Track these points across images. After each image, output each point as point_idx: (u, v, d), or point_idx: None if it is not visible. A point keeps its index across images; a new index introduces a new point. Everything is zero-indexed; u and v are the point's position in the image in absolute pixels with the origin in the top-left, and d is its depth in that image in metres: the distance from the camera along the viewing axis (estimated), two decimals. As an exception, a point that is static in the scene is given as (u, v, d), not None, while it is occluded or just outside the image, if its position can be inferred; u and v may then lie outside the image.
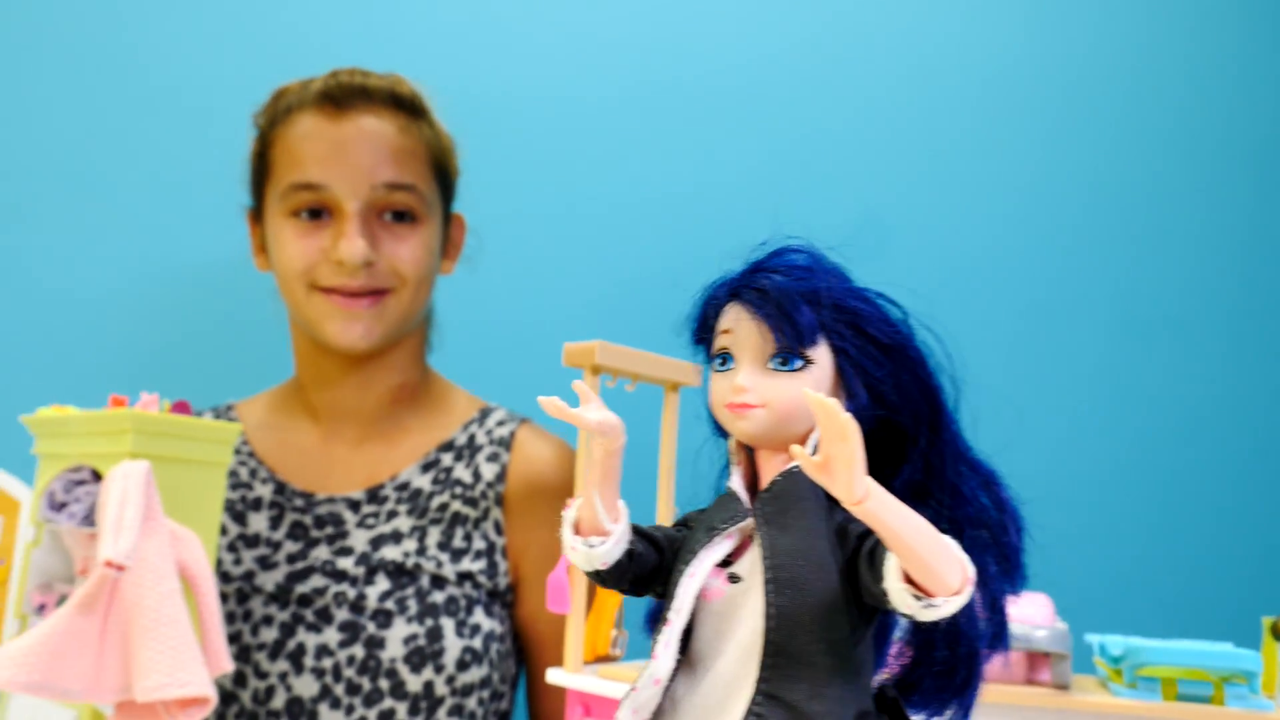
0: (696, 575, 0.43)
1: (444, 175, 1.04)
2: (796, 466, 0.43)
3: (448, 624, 0.93)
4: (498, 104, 1.26)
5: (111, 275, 1.23)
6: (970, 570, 0.37)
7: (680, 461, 0.78)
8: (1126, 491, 1.14)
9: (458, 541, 0.98)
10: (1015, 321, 1.19)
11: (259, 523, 0.99)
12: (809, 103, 1.27)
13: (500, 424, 1.05)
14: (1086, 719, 0.56)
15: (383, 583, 0.94)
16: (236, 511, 0.99)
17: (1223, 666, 0.56)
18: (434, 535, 0.97)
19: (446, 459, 1.02)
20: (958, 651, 0.44)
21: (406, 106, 1.00)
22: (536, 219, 1.26)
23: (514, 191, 1.26)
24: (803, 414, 0.43)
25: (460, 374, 1.14)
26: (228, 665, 0.71)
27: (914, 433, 0.44)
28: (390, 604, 0.93)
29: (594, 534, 0.44)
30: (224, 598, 0.93)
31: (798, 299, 0.43)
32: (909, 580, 0.37)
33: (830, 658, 0.40)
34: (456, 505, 0.99)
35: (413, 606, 0.93)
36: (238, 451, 1.02)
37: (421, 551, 0.96)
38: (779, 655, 0.40)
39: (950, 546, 0.37)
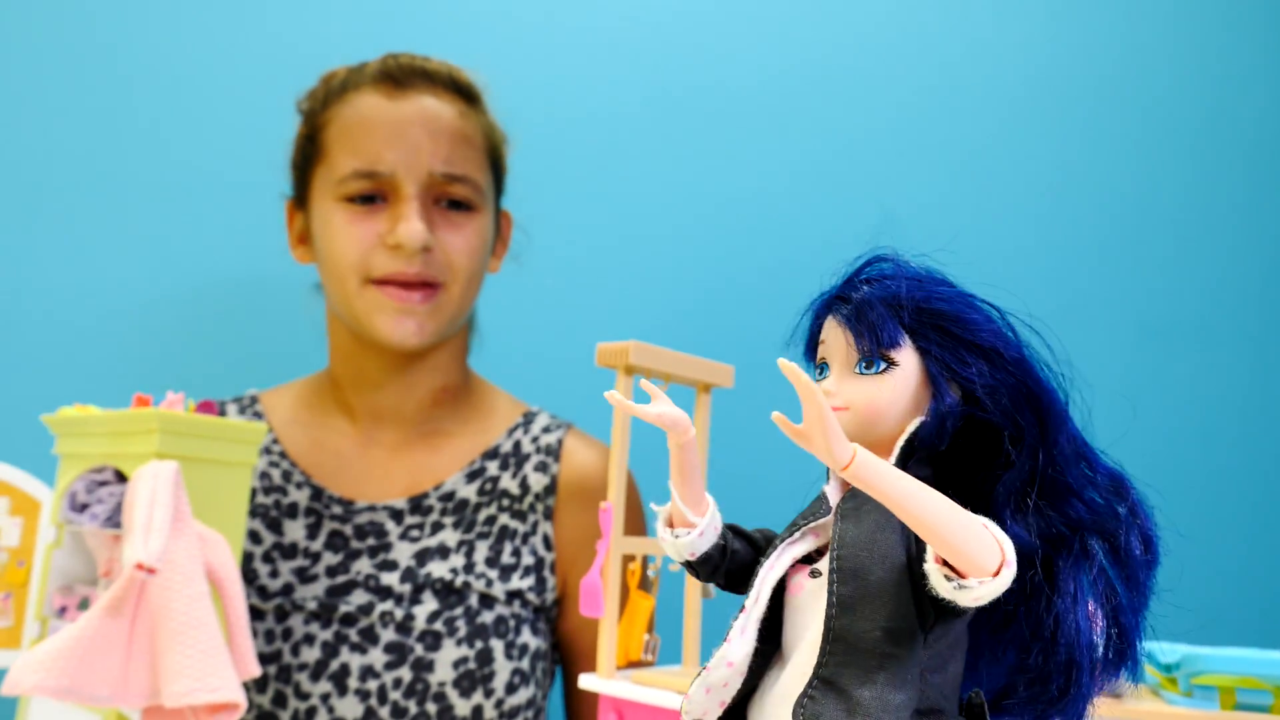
0: (775, 567, 0.45)
1: (497, 168, 1.01)
2: None
3: (497, 646, 0.90)
4: (532, 103, 1.25)
5: (130, 273, 1.22)
6: (1009, 553, 0.37)
7: (711, 461, 0.77)
8: (1173, 494, 1.13)
9: (506, 557, 0.94)
10: (1055, 328, 1.17)
11: (295, 531, 0.94)
12: (844, 108, 1.26)
13: (546, 430, 1.02)
14: (1143, 729, 0.55)
15: (430, 602, 0.90)
16: (271, 518, 0.95)
17: (1283, 675, 0.55)
18: (482, 550, 0.94)
19: (492, 467, 0.98)
20: (1053, 659, 0.43)
21: (465, 93, 0.97)
22: (572, 219, 1.25)
23: (548, 191, 1.25)
24: (890, 415, 0.44)
25: (493, 374, 1.13)
26: (255, 669, 0.69)
27: (1015, 433, 0.44)
28: (439, 625, 0.90)
29: (681, 526, 0.47)
30: (261, 615, 0.90)
31: (878, 304, 0.44)
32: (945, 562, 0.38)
33: (889, 646, 0.40)
34: (504, 519, 0.96)
35: (462, 628, 0.90)
36: (267, 451, 0.98)
37: (470, 569, 0.92)
38: (837, 642, 0.41)
39: (980, 525, 0.38)
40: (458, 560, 0.93)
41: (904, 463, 0.44)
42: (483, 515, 0.96)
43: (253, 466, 0.78)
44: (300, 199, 0.99)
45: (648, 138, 1.26)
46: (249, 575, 0.92)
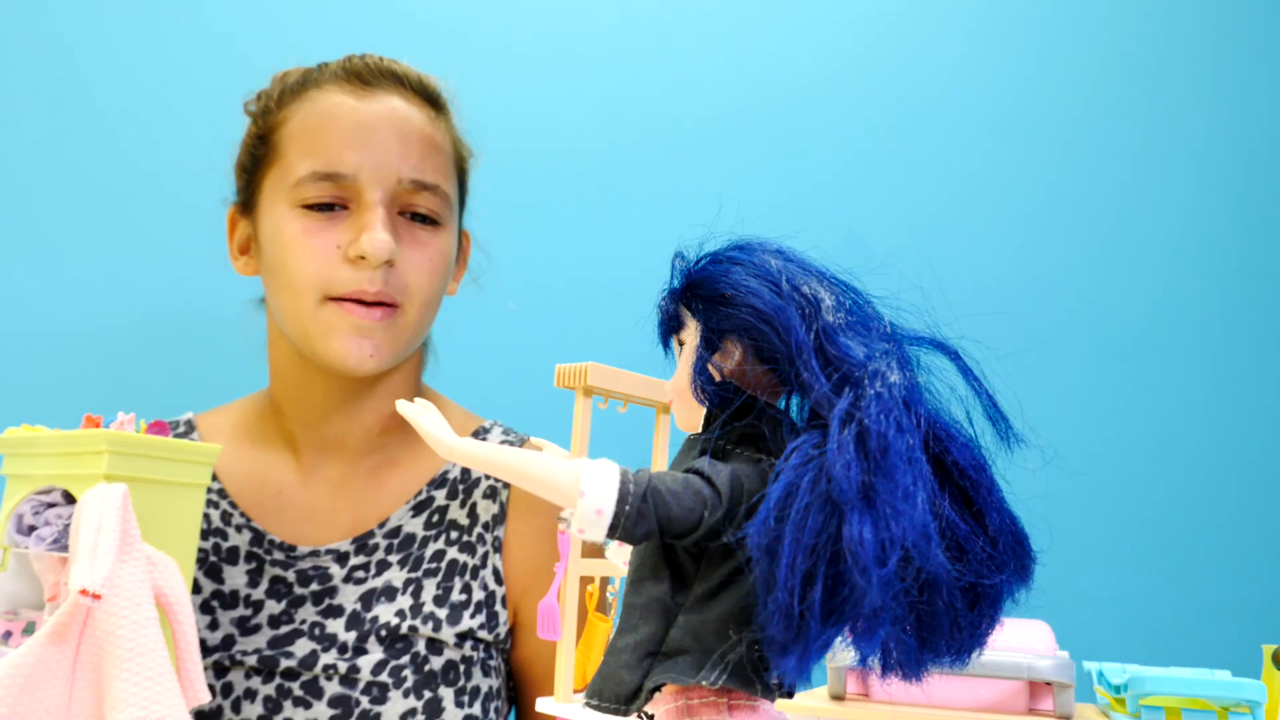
0: None
1: (462, 182, 0.96)
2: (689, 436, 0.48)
3: (447, 694, 0.86)
4: (492, 117, 1.25)
5: (80, 293, 1.20)
6: (587, 479, 0.39)
7: (670, 483, 0.77)
8: (1119, 517, 1.15)
9: (456, 594, 0.89)
10: (1014, 343, 1.19)
11: (236, 578, 0.90)
12: (811, 124, 1.27)
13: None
14: (1092, 750, 0.55)
15: (376, 651, 0.86)
16: (210, 564, 0.90)
17: (1227, 696, 0.55)
18: (429, 589, 0.89)
19: (440, 496, 0.93)
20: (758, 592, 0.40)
21: (433, 100, 0.92)
22: (532, 236, 1.25)
23: (508, 208, 1.25)
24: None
25: (452, 393, 1.12)
26: (204, 696, 0.68)
27: (773, 365, 0.44)
28: (385, 676, 0.85)
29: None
30: None
31: (666, 298, 0.48)
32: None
33: (628, 597, 0.45)
34: (453, 552, 0.91)
35: (409, 678, 0.85)
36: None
37: (417, 610, 0.87)
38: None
39: (558, 463, 0.40)
40: (405, 602, 0.88)
41: (721, 426, 0.44)
42: (430, 551, 0.91)
43: (205, 488, 0.77)
44: (246, 205, 0.92)
45: (609, 153, 1.27)
46: None
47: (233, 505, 0.93)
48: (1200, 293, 1.22)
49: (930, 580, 0.37)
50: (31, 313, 1.19)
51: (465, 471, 0.95)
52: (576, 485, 0.39)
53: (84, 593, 0.58)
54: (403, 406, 0.45)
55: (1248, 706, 0.56)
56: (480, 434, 0.99)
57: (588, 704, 0.42)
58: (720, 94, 1.28)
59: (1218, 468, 1.17)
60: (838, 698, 0.58)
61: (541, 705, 0.71)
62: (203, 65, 1.25)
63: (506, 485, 0.95)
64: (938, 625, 0.38)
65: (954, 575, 0.38)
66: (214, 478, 0.94)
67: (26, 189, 1.22)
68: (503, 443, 0.97)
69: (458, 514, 0.92)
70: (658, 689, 0.41)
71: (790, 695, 0.42)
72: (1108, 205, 1.24)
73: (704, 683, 0.40)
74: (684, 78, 1.28)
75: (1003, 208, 1.25)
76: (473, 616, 0.89)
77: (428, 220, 0.89)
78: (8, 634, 0.77)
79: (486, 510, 0.93)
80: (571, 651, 0.71)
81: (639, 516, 0.39)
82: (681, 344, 0.46)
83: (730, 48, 1.29)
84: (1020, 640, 0.60)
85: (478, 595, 0.90)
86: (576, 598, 0.71)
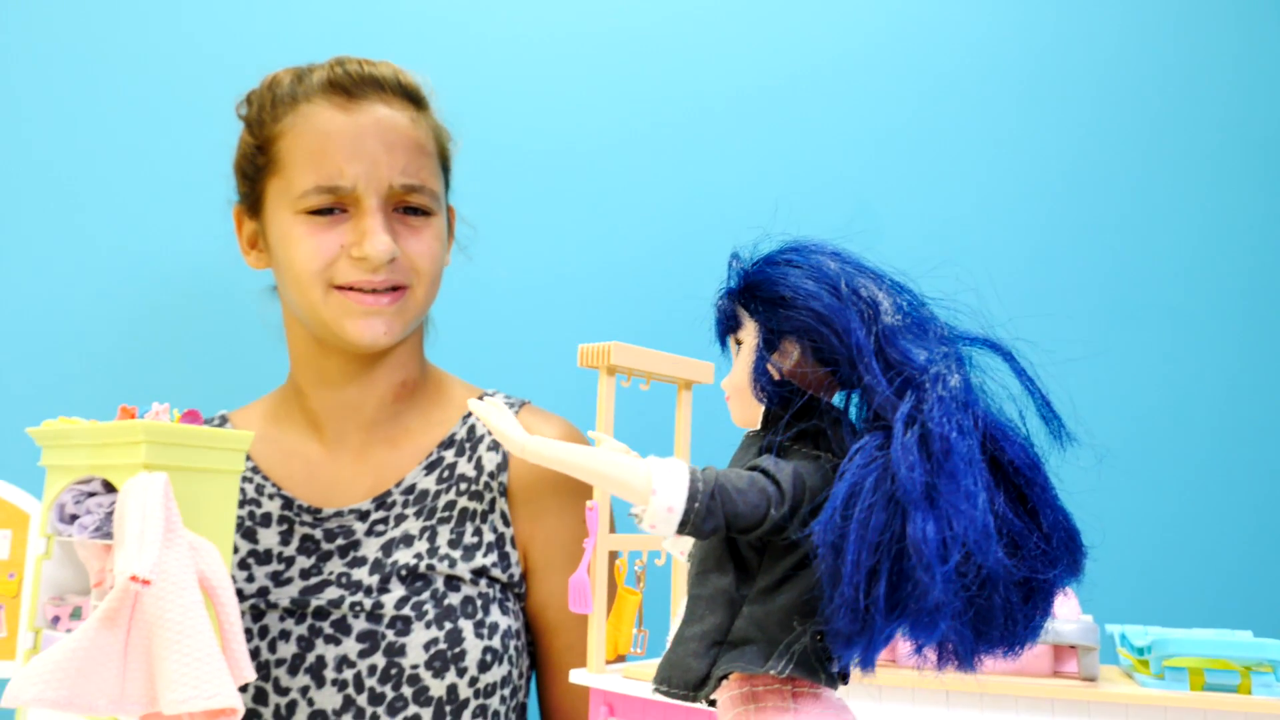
0: None
1: (446, 168, 1.03)
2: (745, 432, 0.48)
3: (466, 626, 0.93)
4: (515, 102, 1.25)
5: (111, 285, 1.22)
6: (659, 478, 0.40)
7: (693, 457, 0.79)
8: (1140, 481, 1.16)
9: (468, 537, 0.97)
10: (1040, 315, 1.19)
11: (269, 539, 0.98)
12: (825, 106, 1.27)
13: None
14: (1116, 710, 0.57)
15: (398, 589, 0.93)
16: (246, 528, 0.98)
17: (1249, 656, 0.57)
18: (444, 534, 0.96)
19: (449, 455, 1.01)
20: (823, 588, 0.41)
21: (412, 97, 0.98)
22: (552, 217, 1.26)
23: (529, 189, 1.26)
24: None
25: (478, 377, 1.14)
26: (250, 674, 0.70)
27: (834, 367, 0.45)
28: (408, 610, 0.92)
29: None
30: None
31: (724, 297, 0.48)
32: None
33: (695, 589, 0.46)
34: (463, 501, 0.98)
35: (430, 611, 0.92)
36: None
37: (433, 552, 0.95)
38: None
39: (631, 463, 0.41)
40: (422, 545, 0.95)
41: (775, 426, 0.45)
42: (442, 501, 0.98)
43: (239, 474, 0.78)
44: (251, 207, 1.00)
45: (628, 135, 1.27)
46: None
47: (265, 478, 1.01)
48: (1207, 252, 1.22)
49: (989, 576, 0.39)
50: (64, 308, 1.21)
51: (470, 430, 1.03)
52: (649, 484, 0.40)
53: (134, 579, 0.60)
54: (474, 405, 0.47)
55: (1270, 666, 0.57)
56: (482, 398, 1.05)
57: (656, 690, 0.44)
58: (739, 72, 1.27)
59: (1237, 430, 1.18)
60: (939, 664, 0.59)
61: (575, 676, 0.73)
62: (218, 49, 1.25)
63: None
64: (993, 619, 0.40)
65: (1011, 571, 0.40)
66: (248, 458, 1.00)
67: (58, 185, 1.23)
68: (504, 403, 1.03)
69: (465, 468, 1.00)
70: (725, 676, 0.42)
71: (845, 682, 0.44)
72: (1130, 194, 1.24)
73: (771, 671, 0.41)
74: (706, 57, 1.28)
75: (1029, 194, 1.25)
76: (485, 555, 0.96)
77: (420, 211, 0.97)
78: (55, 618, 0.79)
79: (490, 460, 1.00)
80: (603, 625, 0.73)
81: (707, 513, 0.41)
82: (739, 343, 0.47)
83: (751, 28, 1.28)
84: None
85: (488, 536, 0.98)
86: (607, 572, 0.72)
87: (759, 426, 0.46)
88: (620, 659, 0.75)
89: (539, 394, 1.11)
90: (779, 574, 0.43)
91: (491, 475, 1.00)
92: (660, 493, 0.40)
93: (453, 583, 0.94)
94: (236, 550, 0.96)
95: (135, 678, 0.63)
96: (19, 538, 0.80)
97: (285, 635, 0.92)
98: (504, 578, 0.97)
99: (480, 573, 0.96)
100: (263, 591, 0.94)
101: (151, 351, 1.22)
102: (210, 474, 0.76)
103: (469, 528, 0.97)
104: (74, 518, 0.78)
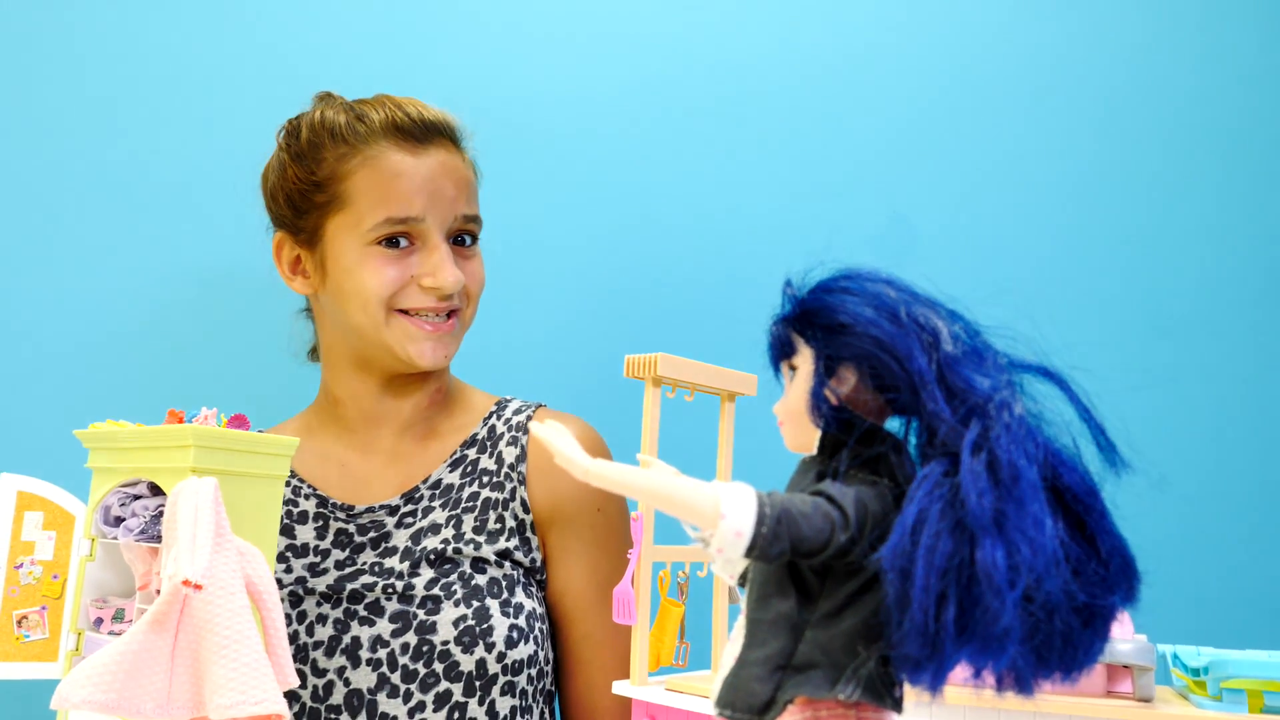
0: None
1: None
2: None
3: (493, 604, 0.98)
4: (555, 111, 1.26)
5: (156, 289, 1.23)
6: (727, 502, 0.40)
7: (736, 469, 0.78)
8: (1190, 499, 1.14)
9: (491, 524, 1.03)
10: (1093, 325, 1.19)
11: (306, 534, 1.04)
12: (862, 111, 1.27)
13: (517, 412, 1.11)
14: (1174, 732, 0.56)
15: (427, 572, 0.99)
16: (284, 526, 1.04)
17: (1310, 679, 0.56)
18: (468, 521, 1.03)
19: (472, 453, 1.08)
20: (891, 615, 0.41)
21: (458, 136, 1.07)
22: (595, 229, 1.27)
23: (568, 200, 1.26)
24: (807, 414, 0.46)
25: (518, 388, 1.16)
26: (294, 680, 0.70)
27: (893, 395, 0.44)
28: (437, 590, 0.98)
29: None
30: None
31: (778, 323, 0.48)
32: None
33: (755, 613, 0.45)
34: (485, 492, 1.05)
35: (459, 590, 0.98)
36: None
37: (459, 538, 1.02)
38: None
39: (695, 485, 0.41)
40: (448, 533, 1.02)
41: (835, 453, 0.45)
42: (466, 493, 1.05)
43: (284, 479, 0.79)
44: (306, 237, 1.05)
45: (674, 145, 1.27)
46: None
47: (301, 480, 1.08)
48: (1242, 262, 1.20)
49: (1054, 603, 0.39)
50: (109, 311, 1.22)
51: (490, 430, 1.09)
52: (717, 508, 0.40)
53: (186, 583, 0.60)
54: (535, 429, 0.47)
55: (1330, 688, 0.56)
56: (501, 405, 1.13)
57: (721, 713, 0.44)
58: (773, 79, 1.27)
59: None
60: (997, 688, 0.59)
61: (618, 688, 0.73)
62: (255, 60, 1.27)
63: (525, 430, 1.08)
64: (1053, 644, 0.41)
65: (1074, 597, 0.40)
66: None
67: (106, 192, 1.25)
68: (520, 406, 1.12)
69: (487, 463, 1.07)
70: (790, 701, 0.42)
71: (901, 709, 0.44)
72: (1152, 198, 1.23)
73: (840, 696, 0.41)
74: (719, 56, 1.28)
75: (1047, 187, 1.24)
76: (508, 539, 1.03)
77: (471, 239, 1.08)
78: (99, 620, 0.80)
79: (510, 453, 1.07)
80: (646, 636, 0.72)
81: (774, 538, 0.41)
82: (792, 369, 0.47)
83: (782, 33, 1.28)
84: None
85: (510, 523, 1.04)
86: (650, 583, 0.72)
87: (814, 451, 0.47)
88: (660, 670, 0.74)
89: (581, 407, 1.12)
90: (841, 598, 0.43)
91: (511, 466, 1.06)
92: (729, 517, 0.40)
93: (479, 565, 1.01)
94: (275, 547, 0.99)
95: (182, 682, 0.63)
96: (63, 539, 0.81)
97: (322, 619, 0.98)
98: (526, 561, 1.03)
99: (504, 555, 1.02)
100: (300, 580, 1.01)
101: (196, 356, 1.23)
102: (256, 479, 0.76)
103: (491, 515, 1.04)
104: (119, 520, 0.79)
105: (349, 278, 1.02)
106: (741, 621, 0.46)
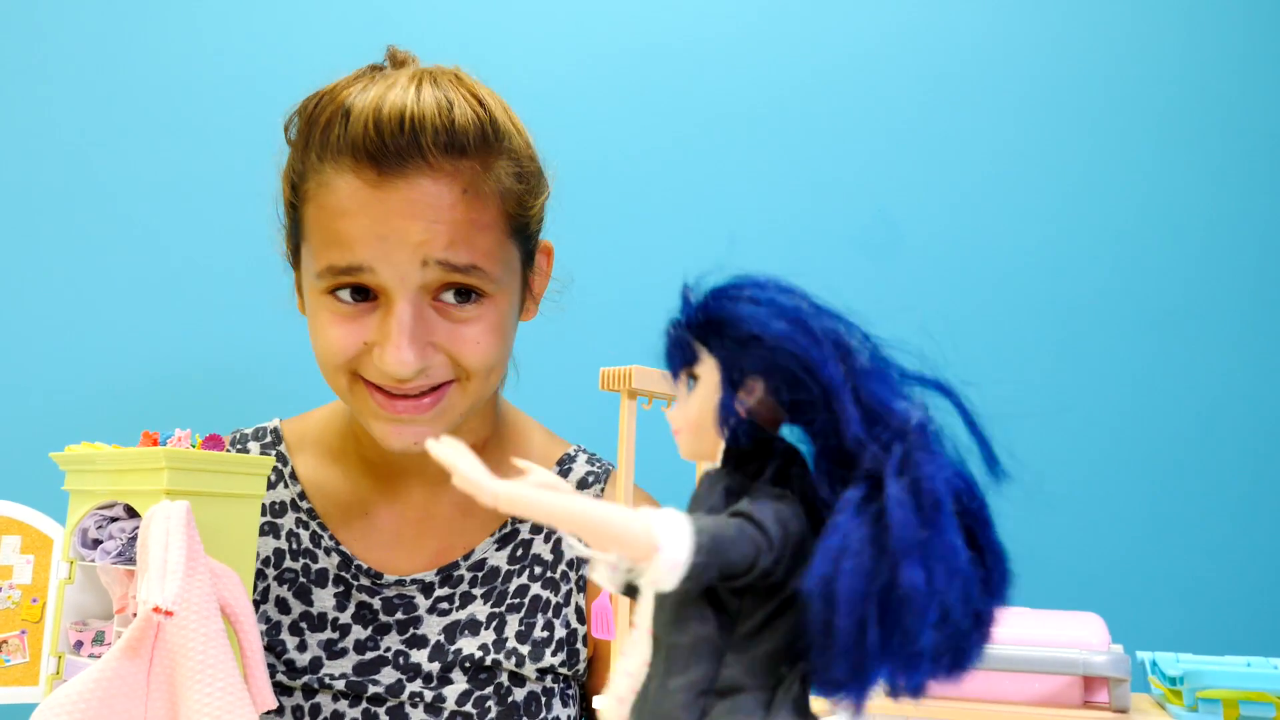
0: None
1: (523, 219, 0.85)
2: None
3: None
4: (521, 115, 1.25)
5: (136, 312, 1.23)
6: (660, 534, 0.38)
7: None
8: (1168, 504, 1.14)
9: (538, 631, 0.90)
10: (1055, 330, 1.18)
11: (325, 600, 0.91)
12: (853, 120, 1.27)
13: (583, 483, 0.94)
14: (1149, 743, 0.56)
15: (461, 682, 0.87)
16: (300, 585, 0.92)
17: (1285, 687, 0.55)
18: (513, 624, 0.89)
19: (524, 529, 0.93)
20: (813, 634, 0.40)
21: (470, 147, 0.79)
22: (577, 239, 1.26)
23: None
24: (708, 426, 0.44)
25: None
26: (271, 702, 0.70)
27: (795, 408, 0.43)
28: (470, 706, 0.87)
29: None
30: (289, 691, 0.89)
31: (678, 326, 0.45)
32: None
33: (670, 636, 0.43)
34: (536, 588, 0.91)
35: (493, 709, 0.86)
36: (295, 506, 0.96)
37: (500, 645, 0.89)
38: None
39: (625, 515, 0.38)
40: (488, 636, 0.89)
41: (739, 466, 0.44)
42: (514, 585, 0.91)
43: (261, 498, 0.78)
44: (294, 254, 0.88)
45: (645, 152, 1.27)
46: (276, 647, 0.91)
47: (322, 527, 0.93)
48: (1227, 266, 1.20)
49: (960, 618, 0.40)
50: (87, 333, 1.22)
51: None
52: (652, 541, 0.39)
53: (156, 610, 0.60)
54: (432, 446, 0.42)
55: (1305, 696, 0.56)
56: (565, 461, 0.97)
57: None
58: (766, 90, 1.27)
59: (1270, 453, 1.16)
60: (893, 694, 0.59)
61: (597, 703, 0.72)
62: (266, 70, 1.26)
63: None
64: (953, 652, 0.41)
65: (978, 611, 0.41)
66: (303, 496, 0.96)
67: (81, 209, 1.24)
68: (588, 473, 0.96)
69: (542, 548, 0.92)
70: None
71: None
72: (1133, 192, 1.23)
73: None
74: (701, 64, 1.27)
75: (1034, 191, 1.24)
76: (554, 654, 0.89)
77: (471, 294, 0.81)
78: (78, 644, 0.79)
79: (571, 547, 0.94)
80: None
81: (705, 567, 0.40)
82: (692, 377, 0.46)
83: (784, 48, 1.28)
84: (1073, 634, 0.60)
85: (560, 633, 0.90)
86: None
87: (716, 462, 0.46)
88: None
89: (558, 420, 1.12)
90: (759, 619, 0.43)
91: (571, 565, 0.91)
92: (666, 549, 0.39)
93: (517, 679, 0.88)
94: (289, 611, 0.92)
95: (158, 708, 0.63)
96: (41, 562, 0.81)
97: (339, 717, 0.87)
98: (569, 674, 0.91)
99: (547, 670, 0.89)
100: (315, 664, 0.89)
101: (173, 376, 1.23)
102: (231, 499, 0.76)
103: (540, 620, 0.90)
104: (97, 542, 0.78)
105: (310, 321, 0.84)
106: (643, 639, 0.45)
